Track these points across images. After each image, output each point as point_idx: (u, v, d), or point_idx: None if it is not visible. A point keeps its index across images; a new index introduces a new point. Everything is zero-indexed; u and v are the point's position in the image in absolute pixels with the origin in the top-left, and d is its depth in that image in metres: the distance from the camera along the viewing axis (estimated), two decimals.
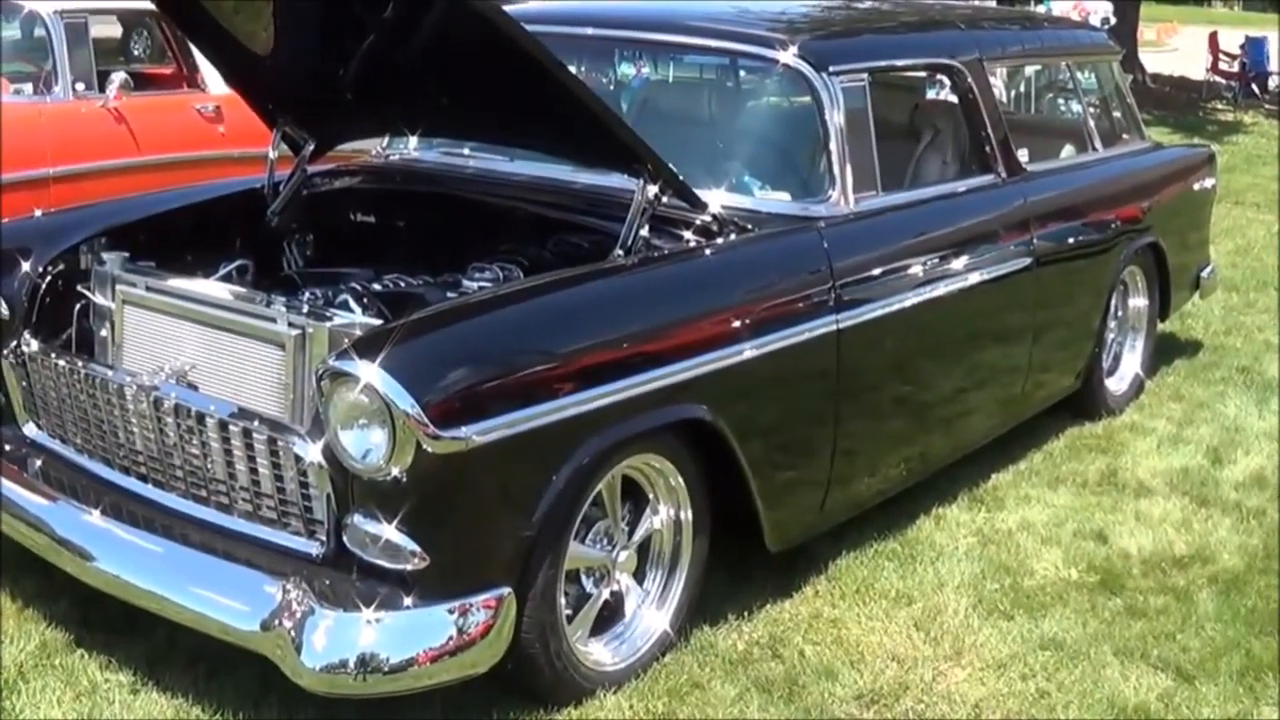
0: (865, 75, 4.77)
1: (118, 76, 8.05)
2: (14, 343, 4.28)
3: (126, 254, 4.31)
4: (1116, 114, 6.89)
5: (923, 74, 5.95)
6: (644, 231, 4.17)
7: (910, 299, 4.71)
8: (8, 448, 4.31)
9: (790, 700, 3.91)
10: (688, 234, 4.32)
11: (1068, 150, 6.43)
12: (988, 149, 5.43)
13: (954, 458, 5.33)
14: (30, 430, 4.34)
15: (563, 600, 3.73)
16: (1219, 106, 22.05)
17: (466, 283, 4.30)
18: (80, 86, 7.92)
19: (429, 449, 3.30)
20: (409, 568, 3.38)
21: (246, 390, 3.81)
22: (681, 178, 4.24)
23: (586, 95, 4.04)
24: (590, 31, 5.15)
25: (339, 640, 3.35)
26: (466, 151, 5.08)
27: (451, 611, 3.41)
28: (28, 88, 8.21)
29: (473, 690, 3.68)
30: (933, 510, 5.17)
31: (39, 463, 4.23)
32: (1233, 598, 4.63)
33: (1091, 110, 6.68)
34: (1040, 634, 4.33)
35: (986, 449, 5.57)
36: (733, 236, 4.34)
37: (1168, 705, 3.99)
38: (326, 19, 4.40)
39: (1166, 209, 6.69)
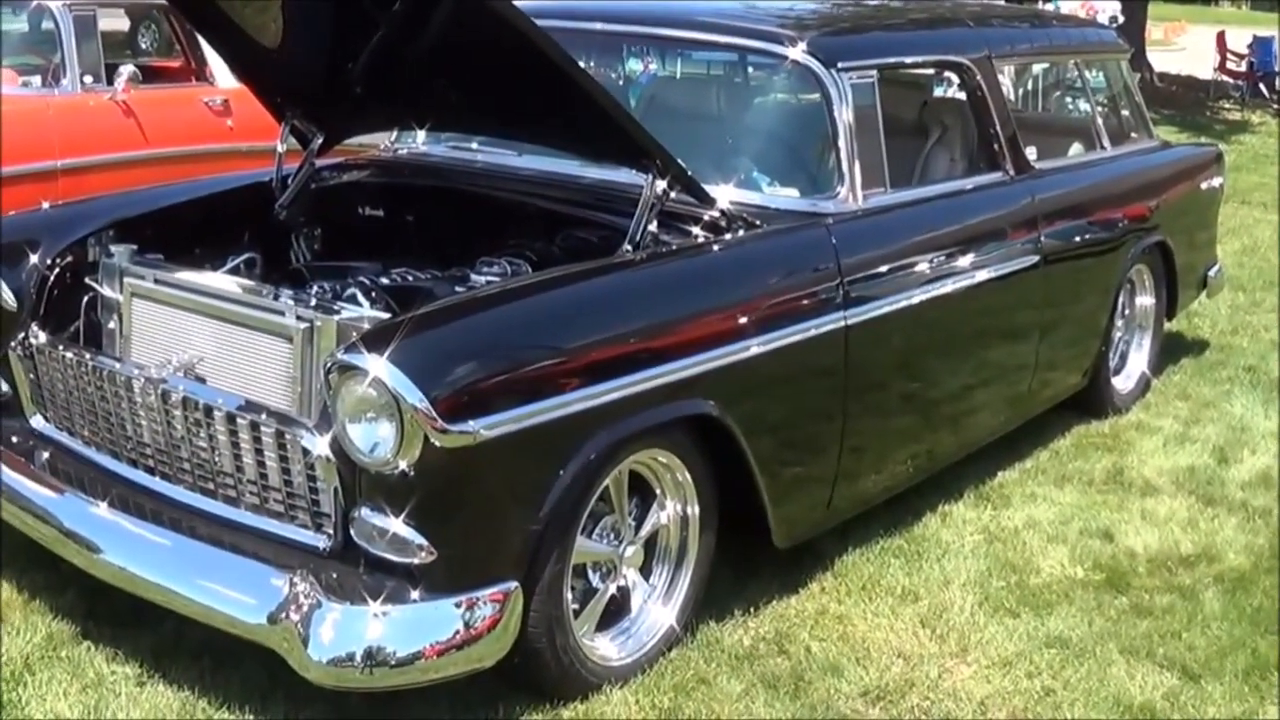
0: (874, 72, 4.76)
1: (126, 69, 8.05)
2: (22, 335, 4.28)
3: (134, 247, 4.31)
4: (1125, 112, 6.89)
5: (931, 71, 5.94)
6: (652, 227, 4.17)
7: (918, 296, 4.70)
8: (15, 440, 4.31)
9: (796, 696, 3.91)
10: (696, 229, 4.33)
11: (1076, 148, 6.42)
12: (996, 147, 5.43)
13: (960, 455, 5.33)
14: (38, 422, 4.34)
15: (569, 595, 3.73)
16: (1226, 106, 22.04)
17: (475, 277, 4.30)
18: (88, 79, 7.92)
19: (437, 443, 3.30)
20: (416, 561, 3.38)
21: (254, 383, 3.81)
22: (690, 173, 4.24)
23: (596, 90, 4.03)
24: (599, 26, 5.14)
25: (346, 633, 3.35)
26: (475, 146, 5.08)
27: (458, 605, 3.41)
28: (36, 80, 8.21)
29: (479, 685, 3.68)
30: (939, 508, 5.17)
31: (46, 455, 4.23)
32: (1238, 597, 4.62)
33: (1099, 109, 6.68)
34: (1046, 632, 4.33)
35: (993, 447, 5.57)
36: (741, 232, 4.34)
37: (1173, 704, 3.98)
38: (336, 13, 4.41)
39: (1174, 208, 6.69)
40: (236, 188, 5.11)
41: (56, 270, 4.35)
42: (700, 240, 4.31)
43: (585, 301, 3.87)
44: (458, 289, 4.17)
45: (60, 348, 4.20)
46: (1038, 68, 7.28)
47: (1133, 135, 6.80)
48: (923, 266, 4.77)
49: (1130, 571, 4.80)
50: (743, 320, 4.05)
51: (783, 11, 5.32)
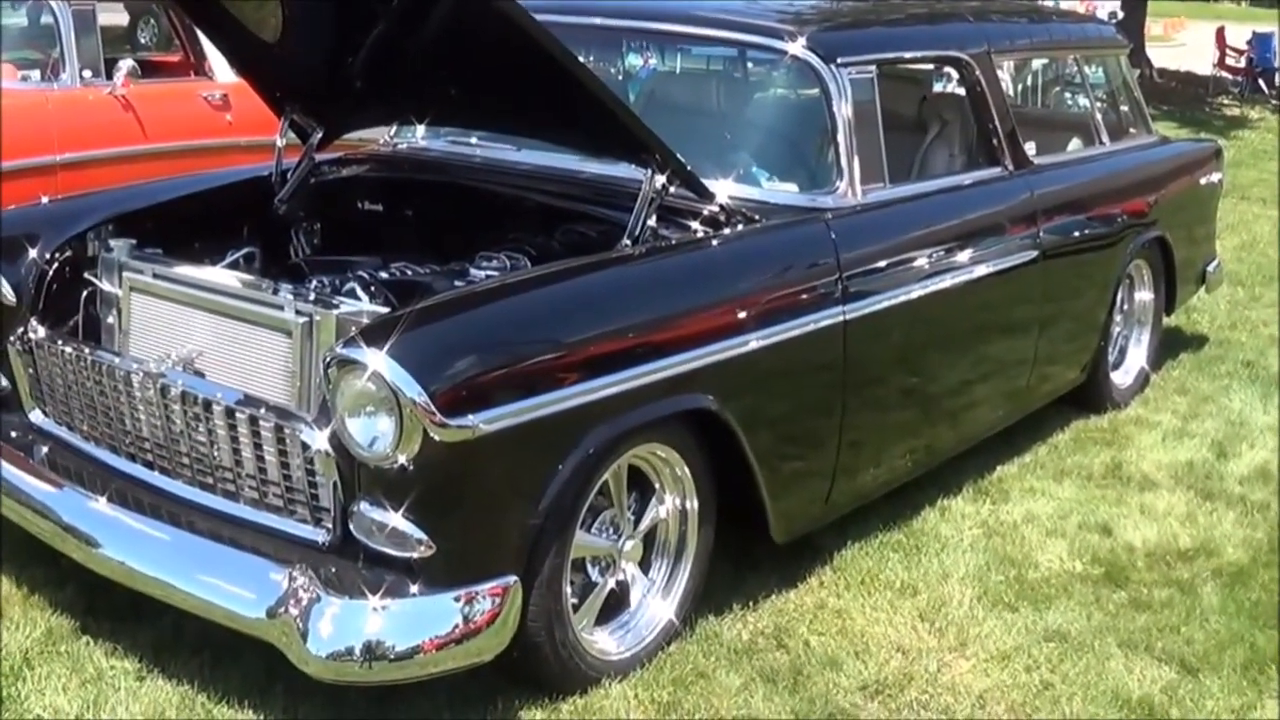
0: (873, 67, 4.77)
1: (125, 64, 8.03)
2: (21, 329, 4.28)
3: (134, 241, 4.31)
4: (1124, 108, 6.89)
5: (931, 66, 5.94)
6: (651, 221, 4.18)
7: (917, 291, 4.70)
8: (14, 435, 4.31)
9: (795, 690, 3.92)
10: (695, 224, 4.33)
11: (1075, 144, 6.43)
12: (995, 142, 5.43)
13: (959, 450, 5.33)
14: (37, 417, 4.34)
15: (568, 589, 3.73)
16: (1225, 102, 22.06)
17: (474, 271, 4.30)
18: (88, 74, 7.90)
19: (436, 437, 3.30)
20: (415, 555, 3.38)
21: (253, 377, 3.81)
22: (689, 168, 4.24)
23: (595, 85, 4.03)
24: (598, 22, 5.14)
25: (345, 627, 3.35)
26: (474, 140, 5.07)
27: (457, 599, 3.41)
28: (35, 74, 8.19)
29: (478, 679, 3.69)
30: (938, 502, 5.17)
31: (45, 449, 4.22)
32: (1237, 591, 4.63)
33: (1099, 104, 6.68)
34: (1044, 626, 4.34)
35: (992, 441, 5.57)
36: (740, 227, 4.34)
37: (1171, 698, 3.99)
38: (335, 8, 4.41)
39: (1173, 203, 6.68)
40: (236, 182, 5.11)
41: (55, 265, 4.35)
42: (699, 235, 4.31)
43: (584, 296, 3.87)
44: (457, 283, 4.16)
45: (59, 342, 4.20)
46: (1037, 63, 7.27)
47: (1132, 131, 6.80)
48: (921, 261, 4.77)
49: (1129, 566, 4.80)
50: (742, 315, 4.05)
51: (782, 7, 5.33)
